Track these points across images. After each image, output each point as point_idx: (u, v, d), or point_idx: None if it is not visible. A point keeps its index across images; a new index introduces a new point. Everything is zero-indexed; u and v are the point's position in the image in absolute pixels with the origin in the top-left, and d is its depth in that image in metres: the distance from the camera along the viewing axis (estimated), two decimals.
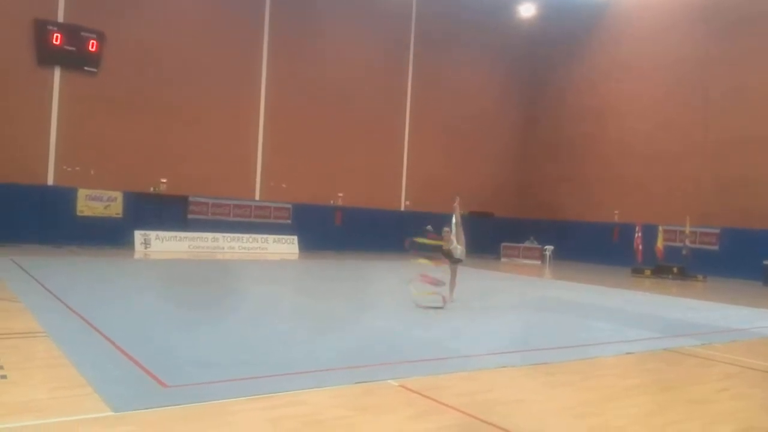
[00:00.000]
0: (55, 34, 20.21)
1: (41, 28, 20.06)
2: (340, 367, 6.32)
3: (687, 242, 22.30)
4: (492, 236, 28.04)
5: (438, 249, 11.43)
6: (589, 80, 28.89)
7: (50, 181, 20.57)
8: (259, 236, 23.71)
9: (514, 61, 31.36)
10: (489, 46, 30.37)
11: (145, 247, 21.17)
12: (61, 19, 20.47)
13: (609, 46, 28.23)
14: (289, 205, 25.09)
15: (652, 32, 26.37)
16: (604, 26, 28.60)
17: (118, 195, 21.66)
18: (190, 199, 23.08)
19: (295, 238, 24.44)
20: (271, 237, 23.98)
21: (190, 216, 23.03)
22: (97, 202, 21.26)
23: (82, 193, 20.97)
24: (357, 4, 26.62)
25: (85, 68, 20.80)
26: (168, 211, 22.50)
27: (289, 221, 25.00)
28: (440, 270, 11.41)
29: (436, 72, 28.56)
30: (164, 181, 22.43)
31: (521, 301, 13.51)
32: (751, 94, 22.84)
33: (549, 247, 26.14)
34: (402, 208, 27.99)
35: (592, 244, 27.04)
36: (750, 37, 23.04)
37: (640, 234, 23.13)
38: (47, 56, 20.18)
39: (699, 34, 24.68)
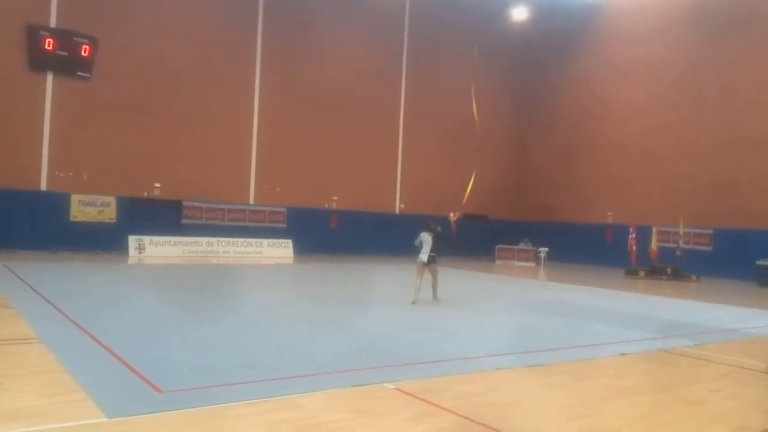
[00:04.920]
0: (48, 39, 20.10)
1: (33, 33, 19.96)
2: (336, 371, 6.32)
3: (681, 243, 22.40)
4: (486, 238, 28.08)
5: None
6: (583, 82, 28.99)
7: (43, 187, 20.47)
8: (253, 240, 23.65)
9: (508, 64, 31.43)
10: (482, 49, 30.39)
11: (140, 252, 21.10)
12: (53, 24, 20.41)
13: (602, 49, 28.35)
14: (284, 209, 25.05)
15: (645, 35, 26.50)
16: (597, 29, 28.72)
17: (112, 200, 21.58)
18: (184, 203, 23.01)
19: (290, 242, 24.41)
20: (265, 241, 23.93)
21: (184, 220, 22.96)
22: (90, 208, 21.17)
23: (75, 198, 20.88)
24: (350, 9, 26.64)
25: (78, 73, 20.68)
26: (162, 215, 22.42)
27: (283, 225, 24.95)
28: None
29: (429, 75, 28.60)
30: (158, 185, 22.36)
31: (516, 302, 13.54)
32: (743, 96, 22.98)
33: (543, 249, 26.20)
34: (397, 211, 28.00)
35: (586, 246, 27.11)
36: (742, 38, 23.18)
37: (634, 235, 23.21)
38: (39, 61, 20.07)
39: (691, 36, 24.83)
